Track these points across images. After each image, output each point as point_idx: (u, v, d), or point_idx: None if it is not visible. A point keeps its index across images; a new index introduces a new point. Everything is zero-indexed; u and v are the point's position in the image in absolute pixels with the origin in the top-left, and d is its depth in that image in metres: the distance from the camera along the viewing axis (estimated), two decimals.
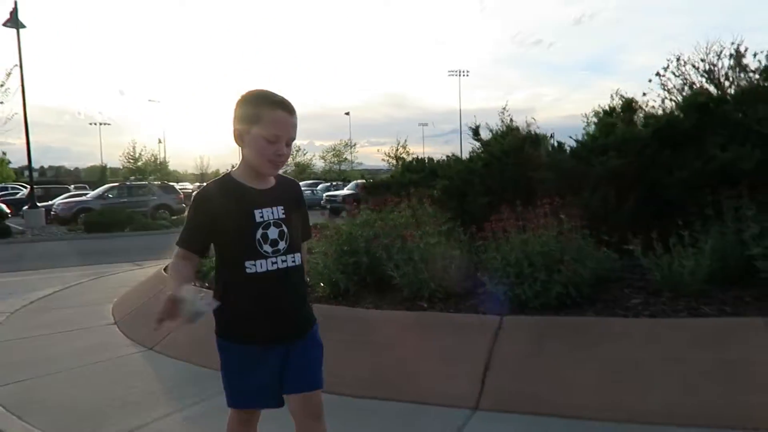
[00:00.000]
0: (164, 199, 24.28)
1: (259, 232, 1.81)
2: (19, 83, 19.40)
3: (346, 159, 65.17)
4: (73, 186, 42.99)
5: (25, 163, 22.42)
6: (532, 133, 5.40)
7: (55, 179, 69.06)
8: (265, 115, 1.78)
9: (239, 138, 1.83)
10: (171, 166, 62.98)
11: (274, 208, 1.85)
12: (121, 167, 57.90)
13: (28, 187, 23.07)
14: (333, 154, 64.65)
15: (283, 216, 1.86)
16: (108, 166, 68.70)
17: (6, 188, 39.89)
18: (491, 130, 5.68)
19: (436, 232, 3.99)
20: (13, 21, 20.29)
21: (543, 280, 3.38)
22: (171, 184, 29.19)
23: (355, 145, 67.49)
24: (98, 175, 62.11)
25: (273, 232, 1.83)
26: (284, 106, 1.81)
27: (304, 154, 67.40)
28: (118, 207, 21.49)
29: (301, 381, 1.90)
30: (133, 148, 52.09)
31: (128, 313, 5.56)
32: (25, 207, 20.99)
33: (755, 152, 4.14)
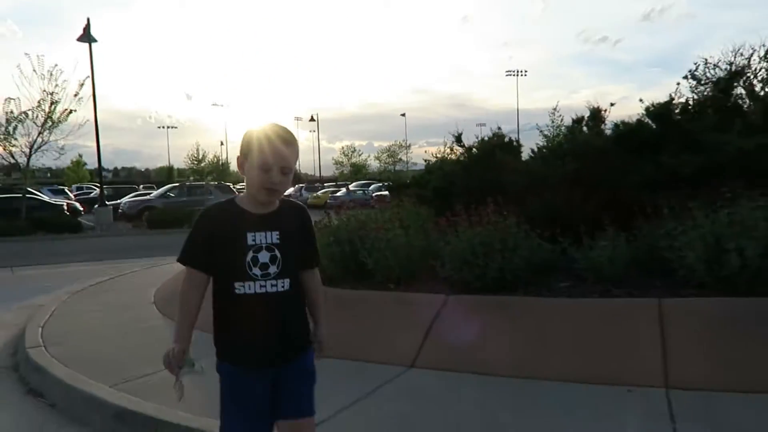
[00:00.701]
0: (220, 198, 25.66)
1: (250, 255, 1.88)
2: (91, 93, 21.21)
3: (401, 160, 66.00)
4: (141, 186, 45.68)
5: (103, 165, 24.47)
6: (511, 139, 6.00)
7: (126, 180, 73.23)
8: (259, 146, 1.88)
9: (240, 167, 1.97)
10: (233, 167, 65.46)
11: (269, 233, 1.91)
12: (187, 168, 60.87)
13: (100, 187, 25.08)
14: (388, 155, 65.65)
15: (278, 241, 1.91)
16: (176, 167, 72.19)
17: (81, 188, 42.92)
18: (477, 137, 6.29)
19: (402, 227, 4.71)
20: (86, 36, 22.14)
21: (481, 265, 4.04)
22: (227, 184, 30.77)
23: (409, 146, 68.26)
24: (166, 175, 65.56)
25: (264, 256, 1.89)
26: (279, 137, 1.89)
27: (359, 155, 68.78)
28: (178, 205, 23.09)
29: (288, 408, 1.98)
30: (197, 150, 54.59)
31: (165, 295, 6.51)
32: (96, 205, 22.84)
33: (695, 159, 4.64)
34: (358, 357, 3.80)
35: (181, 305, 1.94)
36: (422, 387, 3.41)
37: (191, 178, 45.09)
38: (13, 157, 20.53)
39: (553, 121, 35.46)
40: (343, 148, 66.97)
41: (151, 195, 26.79)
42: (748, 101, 5.41)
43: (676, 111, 5.36)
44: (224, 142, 71.35)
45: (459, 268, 4.15)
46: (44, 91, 19.87)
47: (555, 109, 36.25)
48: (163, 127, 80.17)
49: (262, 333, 1.90)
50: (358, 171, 64.72)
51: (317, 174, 70.71)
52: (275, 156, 1.87)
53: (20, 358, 4.67)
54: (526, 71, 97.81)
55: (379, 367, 3.67)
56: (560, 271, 4.34)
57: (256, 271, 1.88)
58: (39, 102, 19.82)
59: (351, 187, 39.09)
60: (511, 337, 3.65)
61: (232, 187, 28.92)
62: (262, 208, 1.94)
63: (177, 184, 28.48)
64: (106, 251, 13.13)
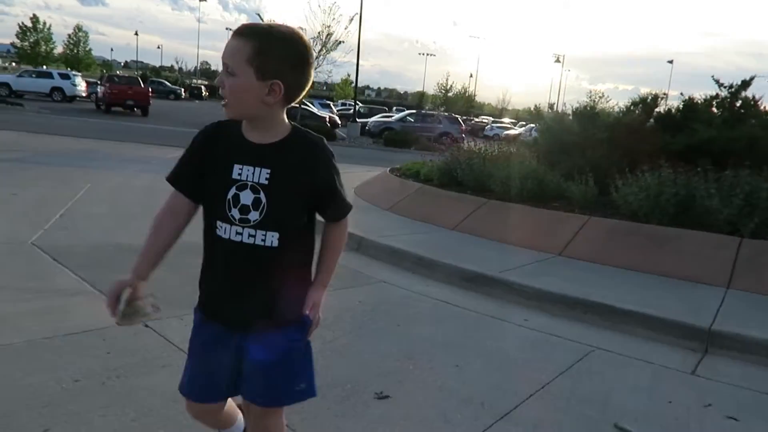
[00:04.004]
0: (448, 128, 29.54)
1: (232, 191, 1.55)
2: (357, 28, 26.30)
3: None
4: (394, 108, 51.95)
5: (365, 84, 30.29)
6: (590, 109, 8.43)
7: (385, 100, 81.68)
8: None
9: None
10: (478, 98, 69.05)
11: (258, 169, 1.55)
12: (437, 95, 66.26)
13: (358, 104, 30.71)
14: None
15: (266, 182, 1.54)
16: (428, 93, 78.39)
17: (345, 104, 50.57)
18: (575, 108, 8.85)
19: (482, 156, 7.77)
20: None
21: (512, 185, 7.01)
22: (456, 116, 34.36)
23: (666, 96, 64.17)
24: (418, 100, 72.03)
25: (246, 197, 1.54)
26: (235, 31, 1.51)
27: (607, 101, 66.90)
28: (411, 129, 27.54)
29: (244, 386, 1.68)
30: (446, 79, 59.12)
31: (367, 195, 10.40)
32: (350, 121, 28.44)
33: (683, 139, 6.80)
34: (426, 220, 7.15)
35: (150, 231, 1.65)
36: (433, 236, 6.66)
37: (427, 106, 49.85)
38: None
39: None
40: (590, 92, 65.81)
41: (393, 118, 31.77)
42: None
43: (708, 104, 7.34)
44: (473, 74, 75.02)
45: (503, 186, 7.16)
46: (323, 24, 25.48)
47: None
48: (423, 54, 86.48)
49: (231, 289, 1.61)
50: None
51: None
52: (224, 52, 1.50)
53: None
54: None
55: (441, 227, 6.98)
56: (564, 199, 7.03)
57: (235, 212, 1.54)
58: (318, 33, 25.51)
59: None
60: (488, 220, 6.64)
61: (460, 118, 32.51)
62: (264, 135, 1.57)
63: (414, 111, 32.98)
64: (348, 158, 17.74)
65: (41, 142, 13.59)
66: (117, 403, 2.61)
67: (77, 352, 3.11)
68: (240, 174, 1.55)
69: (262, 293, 1.61)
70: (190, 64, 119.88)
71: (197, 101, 56.55)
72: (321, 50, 25.79)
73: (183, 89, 58.25)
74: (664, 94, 7.89)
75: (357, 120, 28.15)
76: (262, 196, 1.54)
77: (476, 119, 54.74)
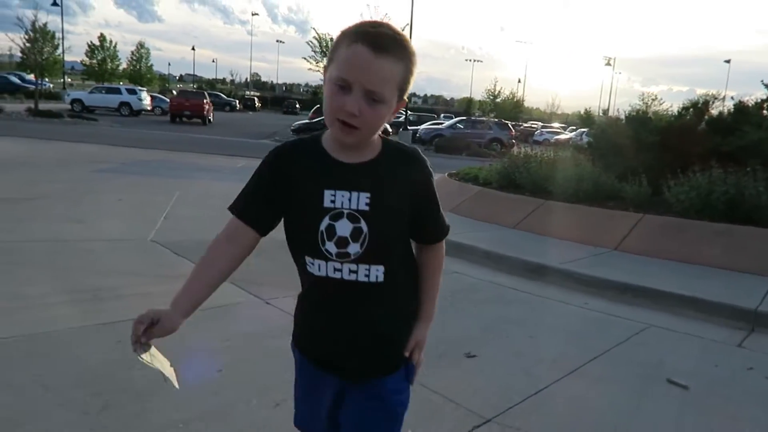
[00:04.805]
0: (498, 134, 29.95)
1: (325, 222, 1.30)
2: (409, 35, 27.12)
3: None
4: (442, 115, 52.52)
5: (411, 91, 31.20)
6: (642, 113, 8.83)
7: (432, 107, 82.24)
8: (342, 51, 1.21)
9: (325, 81, 1.27)
10: (527, 103, 68.89)
11: (355, 194, 1.30)
12: (485, 101, 66.48)
13: (408, 112, 31.33)
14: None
15: (367, 208, 1.29)
16: (476, 100, 78.65)
17: None
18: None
19: (539, 160, 8.29)
20: None
21: (561, 185, 7.52)
22: (505, 121, 34.63)
23: (724, 98, 62.56)
24: (465, 106, 72.37)
25: (344, 227, 1.29)
26: (369, 40, 1.17)
27: (661, 104, 65.66)
28: (461, 136, 28.05)
29: None
30: (494, 85, 59.29)
31: None
32: (401, 129, 29.17)
33: (734, 140, 7.18)
34: (487, 220, 7.73)
35: (201, 259, 1.39)
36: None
37: (477, 113, 50.18)
38: None
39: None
40: (642, 94, 64.83)
41: (443, 125, 32.36)
42: None
43: (759, 107, 7.67)
44: (521, 80, 74.87)
45: (557, 186, 7.68)
46: None
47: None
48: (470, 60, 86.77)
49: (330, 330, 1.40)
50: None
51: None
52: (358, 68, 1.18)
53: None
54: None
55: (499, 226, 7.56)
56: (619, 198, 7.50)
57: (330, 246, 1.30)
58: None
59: None
60: (546, 219, 7.15)
61: (510, 124, 32.81)
62: (354, 153, 1.32)
63: (464, 118, 33.46)
64: None
65: (122, 153, 14.77)
66: (263, 355, 3.33)
67: (217, 321, 3.86)
68: (333, 201, 1.29)
69: (368, 336, 1.39)
70: (242, 76, 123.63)
71: (251, 112, 58.59)
72: None
73: (237, 101, 60.39)
74: (715, 97, 8.20)
75: (409, 128, 28.86)
76: (363, 225, 1.29)
77: (525, 124, 54.61)
